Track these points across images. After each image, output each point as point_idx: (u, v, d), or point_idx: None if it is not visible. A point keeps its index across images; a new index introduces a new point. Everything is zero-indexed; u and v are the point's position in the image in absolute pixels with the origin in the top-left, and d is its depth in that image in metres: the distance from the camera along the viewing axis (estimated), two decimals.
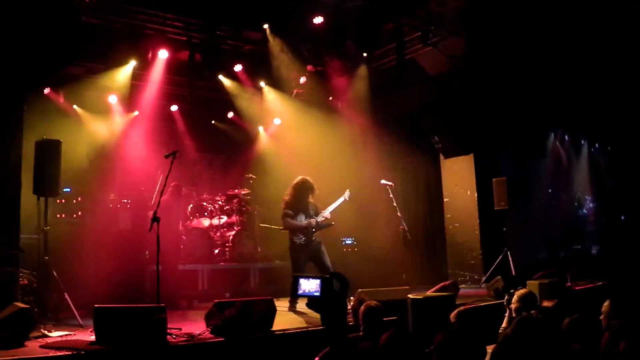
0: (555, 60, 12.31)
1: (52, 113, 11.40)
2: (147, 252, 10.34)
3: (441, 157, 12.98)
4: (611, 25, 11.40)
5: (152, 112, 13.09)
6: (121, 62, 11.42)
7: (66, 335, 6.96)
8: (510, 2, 10.68)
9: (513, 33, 11.54)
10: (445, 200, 13.16)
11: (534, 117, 13.63)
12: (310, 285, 3.71)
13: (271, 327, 7.04)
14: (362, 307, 5.61)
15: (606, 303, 4.85)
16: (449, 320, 5.60)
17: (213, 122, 14.45)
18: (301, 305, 9.15)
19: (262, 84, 13.27)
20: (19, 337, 6.36)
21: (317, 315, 8.14)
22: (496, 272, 10.81)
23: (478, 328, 5.34)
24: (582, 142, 18.28)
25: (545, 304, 6.03)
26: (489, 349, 4.46)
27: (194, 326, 7.18)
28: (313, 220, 9.43)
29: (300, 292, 3.71)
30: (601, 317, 4.80)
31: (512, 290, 6.62)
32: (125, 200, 11.56)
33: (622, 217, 17.92)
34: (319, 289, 3.69)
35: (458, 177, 12.83)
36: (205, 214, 12.68)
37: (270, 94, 13.59)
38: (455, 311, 5.71)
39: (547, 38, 11.78)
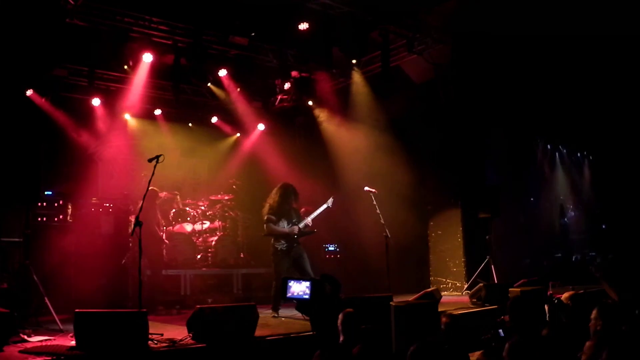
0: (539, 69, 12.41)
1: (34, 115, 11.30)
2: (123, 260, 10.24)
3: (425, 164, 13.02)
4: (596, 37, 11.51)
5: (136, 116, 13.03)
6: (105, 65, 11.39)
7: (46, 340, 6.89)
8: (497, 12, 10.74)
9: (498, 42, 11.62)
10: (428, 207, 13.20)
11: (518, 125, 13.74)
12: (300, 288, 3.67)
13: (253, 333, 7.01)
14: (341, 315, 5.60)
15: (594, 310, 4.85)
16: (432, 327, 5.60)
17: (190, 124, 14.39)
18: (284, 311, 9.15)
19: (246, 88, 13.26)
20: None
21: (299, 321, 8.15)
22: (478, 280, 10.86)
23: (466, 335, 5.35)
24: (565, 151, 18.46)
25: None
26: (472, 356, 4.47)
27: (175, 332, 7.13)
28: (296, 228, 9.40)
29: (289, 295, 3.67)
30: (590, 324, 4.81)
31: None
32: (108, 204, 11.48)
33: (603, 226, 18.10)
34: (308, 292, 3.65)
35: (442, 185, 12.87)
36: (188, 219, 12.61)
37: (254, 98, 13.59)
38: (447, 316, 5.69)
39: (532, 48, 11.88)
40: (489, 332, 5.48)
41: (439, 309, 8.17)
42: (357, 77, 12.86)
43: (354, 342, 4.58)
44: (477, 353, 4.64)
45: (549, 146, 17.73)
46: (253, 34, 11.21)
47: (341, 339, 5.43)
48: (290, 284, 3.59)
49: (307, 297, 3.54)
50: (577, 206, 18.77)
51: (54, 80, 11.84)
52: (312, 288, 3.49)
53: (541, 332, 4.90)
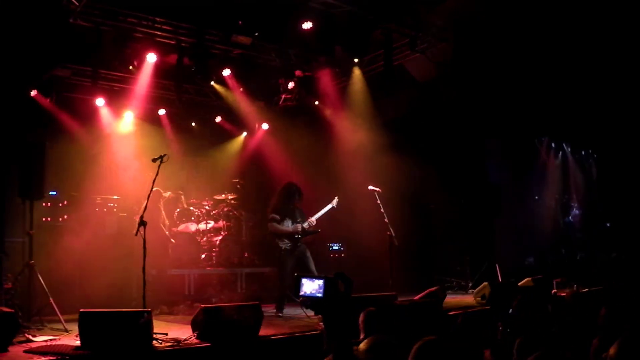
0: (543, 67, 12.38)
1: (38, 115, 11.33)
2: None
3: (429, 163, 13.01)
4: (600, 34, 11.49)
5: (139, 116, 13.03)
6: (109, 65, 11.40)
7: (51, 340, 6.91)
8: (499, 10, 10.72)
9: (501, 40, 11.59)
10: (432, 206, 13.19)
11: (521, 124, 13.71)
12: (312, 286, 3.66)
13: (258, 333, 7.02)
14: (362, 314, 5.59)
15: (603, 309, 4.85)
16: (436, 326, 5.59)
17: (193, 124, 14.39)
18: (288, 310, 9.17)
19: (250, 88, 13.24)
20: (3, 341, 6.29)
21: (304, 321, 8.16)
22: (483, 279, 10.84)
23: (480, 332, 5.34)
24: (568, 149, 18.41)
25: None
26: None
27: (180, 331, 7.15)
28: (299, 226, 9.42)
29: (302, 293, 3.67)
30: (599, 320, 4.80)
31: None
32: (112, 204, 11.50)
33: (608, 224, 18.06)
34: (321, 290, 3.64)
35: (445, 184, 12.85)
36: (192, 218, 12.60)
37: (258, 98, 13.57)
38: (461, 315, 5.68)
39: (535, 45, 11.85)
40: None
41: (443, 308, 8.20)
42: (359, 76, 12.84)
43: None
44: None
45: (552, 144, 17.70)
46: (256, 33, 11.21)
47: (361, 336, 5.43)
48: (303, 282, 3.59)
49: (320, 295, 3.53)
50: (581, 204, 18.73)
51: (58, 81, 11.85)
52: (326, 286, 3.49)
53: (549, 330, 4.90)
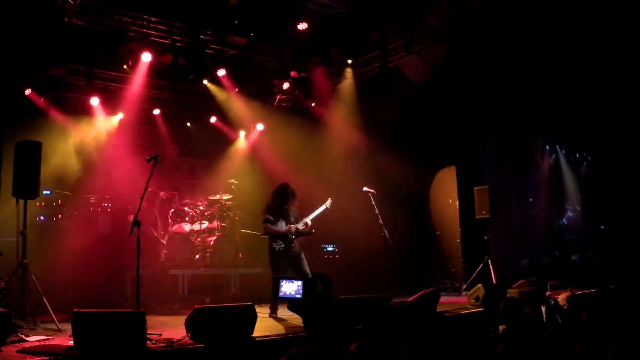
0: (538, 69, 12.41)
1: (33, 114, 11.30)
2: None
3: (424, 164, 13.01)
4: (595, 37, 11.52)
5: (134, 116, 13.00)
6: (103, 64, 11.39)
7: (44, 340, 6.87)
8: (497, 12, 10.74)
9: (497, 42, 11.62)
10: (426, 207, 13.20)
11: (516, 126, 13.73)
12: (291, 287, 3.67)
13: (252, 333, 7.00)
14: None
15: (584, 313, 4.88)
16: (430, 327, 5.58)
17: (188, 124, 14.37)
18: (282, 311, 9.13)
19: (245, 88, 13.24)
20: None
21: (298, 322, 8.14)
22: (477, 280, 10.85)
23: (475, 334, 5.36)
24: (563, 151, 18.47)
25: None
26: None
27: (174, 332, 7.12)
28: (293, 226, 9.39)
29: (281, 294, 3.68)
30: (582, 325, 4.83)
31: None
32: (106, 204, 11.48)
33: (602, 227, 18.12)
34: (301, 291, 3.65)
35: (440, 185, 12.88)
36: (187, 219, 12.59)
37: (253, 99, 13.57)
38: (460, 318, 5.69)
39: (531, 47, 11.88)
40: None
41: (438, 310, 8.20)
42: (355, 77, 12.84)
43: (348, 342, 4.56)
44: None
45: (547, 146, 17.74)
46: (252, 34, 11.20)
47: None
48: (282, 283, 3.61)
49: (299, 296, 3.55)
50: (576, 206, 18.78)
51: (53, 80, 11.82)
52: (304, 287, 3.50)
53: (538, 334, 4.90)
